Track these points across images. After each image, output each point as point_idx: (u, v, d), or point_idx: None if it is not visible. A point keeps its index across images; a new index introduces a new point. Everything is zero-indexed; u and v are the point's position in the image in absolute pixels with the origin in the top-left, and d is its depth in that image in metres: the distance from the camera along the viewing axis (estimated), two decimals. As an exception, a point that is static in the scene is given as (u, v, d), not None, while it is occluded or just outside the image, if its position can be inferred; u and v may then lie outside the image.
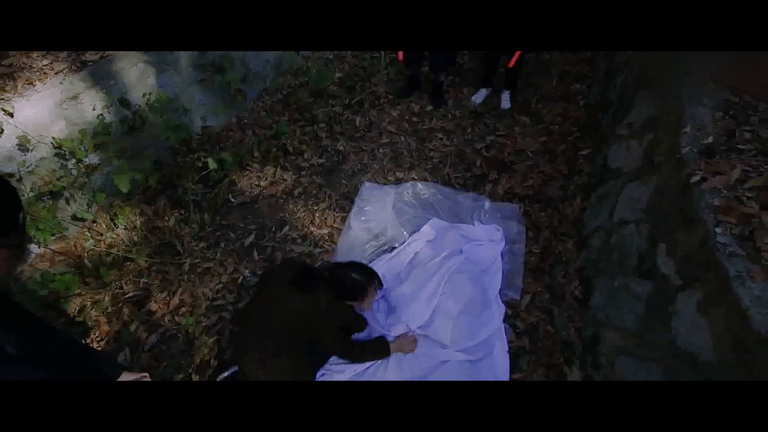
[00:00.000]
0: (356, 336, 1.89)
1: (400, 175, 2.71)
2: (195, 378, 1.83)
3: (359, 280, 1.72)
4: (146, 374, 1.04)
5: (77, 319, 2.02)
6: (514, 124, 3.05)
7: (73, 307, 2.07)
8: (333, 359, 1.83)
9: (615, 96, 2.68)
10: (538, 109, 3.15)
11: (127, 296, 2.11)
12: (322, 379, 1.80)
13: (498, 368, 1.80)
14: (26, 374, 0.70)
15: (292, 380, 1.65)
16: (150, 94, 2.35)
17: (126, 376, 1.02)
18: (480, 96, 3.30)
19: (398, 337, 1.80)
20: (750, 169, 1.49)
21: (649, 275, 1.59)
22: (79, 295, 2.09)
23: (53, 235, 2.12)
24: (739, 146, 1.58)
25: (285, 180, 2.72)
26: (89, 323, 2.02)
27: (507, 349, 1.86)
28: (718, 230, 1.35)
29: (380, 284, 1.80)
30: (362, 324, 1.89)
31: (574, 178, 2.50)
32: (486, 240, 2.20)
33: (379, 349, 1.78)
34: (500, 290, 2.04)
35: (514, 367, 1.81)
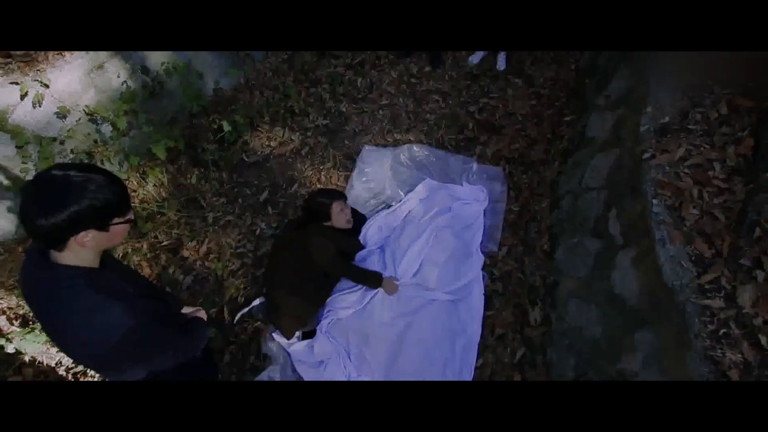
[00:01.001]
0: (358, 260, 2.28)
1: (398, 136, 2.93)
2: (226, 312, 2.21)
3: (322, 201, 2.08)
4: (201, 308, 1.38)
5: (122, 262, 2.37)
6: (507, 86, 3.19)
7: (117, 253, 2.41)
8: (337, 301, 2.19)
9: (602, 64, 2.81)
10: (531, 72, 3.27)
11: (162, 245, 2.45)
12: (327, 315, 2.17)
13: (474, 308, 2.17)
14: (152, 306, 1.01)
15: (309, 307, 2.04)
16: (168, 62, 2.52)
17: (186, 309, 1.36)
18: (477, 57, 3.40)
19: (387, 277, 2.14)
20: (693, 148, 1.73)
21: (600, 235, 1.89)
22: (121, 243, 2.43)
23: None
24: (689, 126, 1.80)
25: (293, 140, 2.94)
26: (133, 267, 2.37)
27: (483, 292, 2.21)
28: (654, 201, 1.62)
29: (344, 198, 2.16)
30: (356, 245, 2.28)
31: (556, 142, 2.72)
32: (472, 199, 2.48)
33: (373, 279, 2.09)
34: (481, 243, 2.36)
35: (487, 306, 2.17)
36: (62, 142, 2.29)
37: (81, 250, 0.89)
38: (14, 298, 2.31)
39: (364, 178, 2.57)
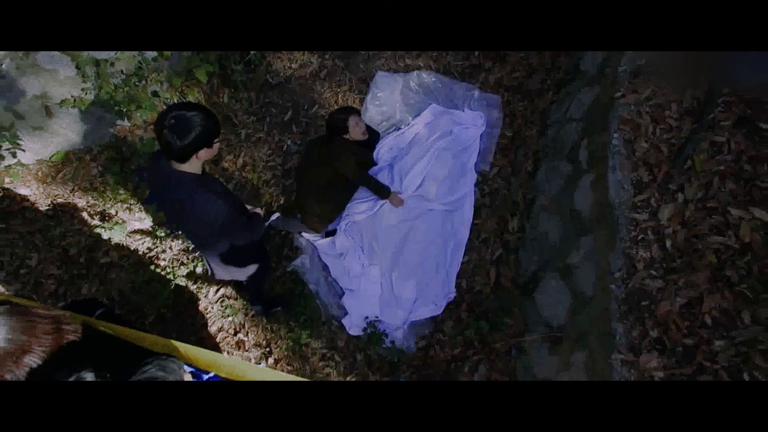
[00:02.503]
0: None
1: (408, 61, 3.13)
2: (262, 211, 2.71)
3: (340, 116, 2.44)
4: (257, 206, 1.85)
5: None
6: (517, 11, 3.27)
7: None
8: (353, 208, 2.65)
9: (609, -9, 2.89)
10: (542, -5, 3.31)
11: (205, 157, 2.87)
12: (345, 218, 2.65)
13: (465, 217, 2.62)
14: (234, 200, 1.45)
15: (333, 210, 2.50)
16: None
17: (247, 207, 1.83)
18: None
19: (395, 192, 2.57)
20: (658, 89, 2.01)
21: (572, 161, 2.26)
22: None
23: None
24: (660, 70, 2.06)
25: (312, 63, 3.17)
26: (183, 175, 2.83)
27: (473, 204, 2.66)
28: (615, 135, 1.96)
29: (358, 113, 2.52)
30: (371, 158, 2.69)
31: (553, 73, 2.93)
32: (471, 124, 2.80)
33: (383, 190, 2.50)
34: (475, 163, 2.75)
35: (476, 216, 2.63)
36: (113, 64, 2.58)
37: (195, 162, 1.32)
38: (90, 198, 2.82)
39: (377, 102, 2.87)
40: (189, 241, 2.60)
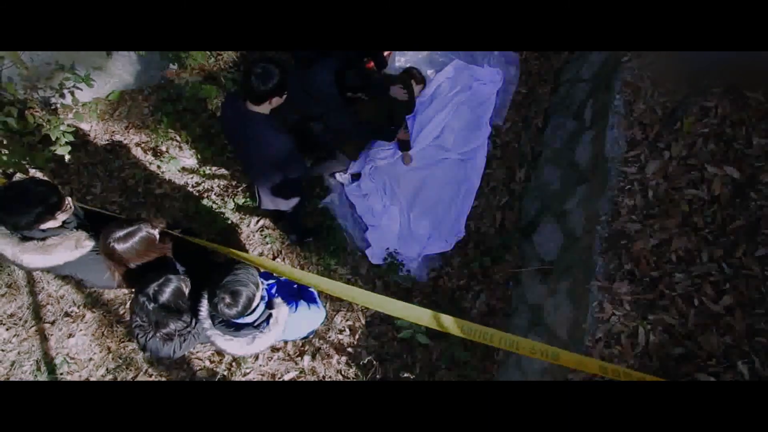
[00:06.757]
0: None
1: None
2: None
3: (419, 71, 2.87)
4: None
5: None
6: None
7: (212, 104, 3.13)
8: (376, 153, 2.94)
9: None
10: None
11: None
12: (369, 163, 2.95)
13: (477, 166, 2.89)
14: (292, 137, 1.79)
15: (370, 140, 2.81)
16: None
17: None
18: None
19: (410, 152, 2.84)
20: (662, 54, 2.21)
21: (577, 118, 2.50)
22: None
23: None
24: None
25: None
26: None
27: (485, 155, 2.94)
28: (617, 96, 2.19)
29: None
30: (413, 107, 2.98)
31: (571, 32, 3.06)
32: (488, 80, 2.99)
33: (407, 143, 2.81)
34: (490, 117, 2.99)
35: (487, 166, 2.91)
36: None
37: (267, 105, 1.62)
38: (143, 135, 3.14)
39: (404, 58, 3.07)
40: (239, 178, 2.95)
